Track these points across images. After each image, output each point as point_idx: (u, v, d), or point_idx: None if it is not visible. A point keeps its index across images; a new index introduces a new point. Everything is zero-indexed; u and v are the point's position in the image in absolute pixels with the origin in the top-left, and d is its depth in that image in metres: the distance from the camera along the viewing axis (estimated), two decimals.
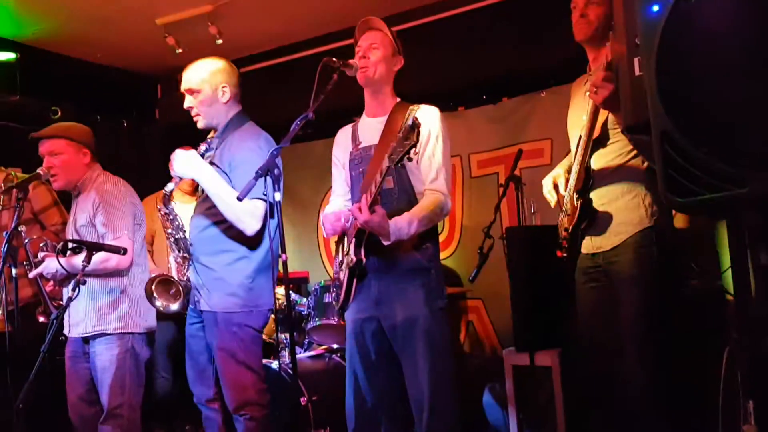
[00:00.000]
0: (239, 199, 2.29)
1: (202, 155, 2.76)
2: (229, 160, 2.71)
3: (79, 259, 2.78)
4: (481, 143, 4.42)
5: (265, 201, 2.60)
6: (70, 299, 2.70)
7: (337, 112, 3.41)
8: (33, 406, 2.63)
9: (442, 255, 3.88)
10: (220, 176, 2.68)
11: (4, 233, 3.11)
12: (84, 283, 2.69)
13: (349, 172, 2.70)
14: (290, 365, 3.16)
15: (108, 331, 2.99)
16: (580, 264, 2.65)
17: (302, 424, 3.40)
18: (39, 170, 3.10)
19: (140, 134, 5.40)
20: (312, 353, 3.95)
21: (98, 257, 2.83)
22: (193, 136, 3.00)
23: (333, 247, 2.81)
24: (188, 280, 2.78)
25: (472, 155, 4.46)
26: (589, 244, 2.60)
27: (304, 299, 3.90)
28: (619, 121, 2.41)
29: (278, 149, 2.32)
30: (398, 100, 2.67)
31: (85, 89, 4.87)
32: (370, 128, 2.66)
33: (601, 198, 2.54)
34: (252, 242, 2.71)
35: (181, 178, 2.76)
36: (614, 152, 2.52)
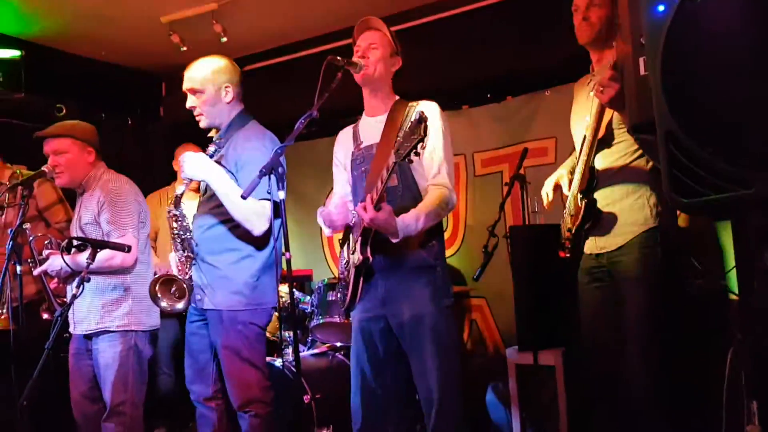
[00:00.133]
0: (243, 197, 2.29)
1: (211, 157, 2.76)
2: (235, 159, 2.71)
3: (83, 257, 2.79)
4: (485, 142, 4.41)
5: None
6: (74, 296, 2.70)
7: (341, 111, 3.41)
8: (37, 404, 2.65)
9: (446, 254, 3.87)
10: (228, 177, 2.68)
11: (9, 230, 3.11)
12: (88, 280, 2.70)
13: (351, 172, 2.69)
14: (294, 363, 3.17)
15: (111, 329, 3.00)
16: (583, 264, 2.65)
17: (305, 422, 3.40)
18: (44, 168, 3.10)
19: (144, 132, 5.40)
20: (315, 351, 3.96)
21: (103, 255, 2.83)
22: (197, 135, 3.00)
23: (337, 246, 2.80)
24: (190, 278, 2.79)
25: (476, 154, 4.46)
26: (593, 245, 2.59)
27: (308, 297, 3.91)
28: (624, 120, 2.41)
29: (282, 148, 2.32)
30: (397, 98, 2.67)
31: (90, 87, 4.88)
32: (370, 127, 2.65)
33: (605, 198, 2.54)
34: (258, 241, 2.71)
35: (191, 180, 2.76)
36: (619, 152, 2.52)
